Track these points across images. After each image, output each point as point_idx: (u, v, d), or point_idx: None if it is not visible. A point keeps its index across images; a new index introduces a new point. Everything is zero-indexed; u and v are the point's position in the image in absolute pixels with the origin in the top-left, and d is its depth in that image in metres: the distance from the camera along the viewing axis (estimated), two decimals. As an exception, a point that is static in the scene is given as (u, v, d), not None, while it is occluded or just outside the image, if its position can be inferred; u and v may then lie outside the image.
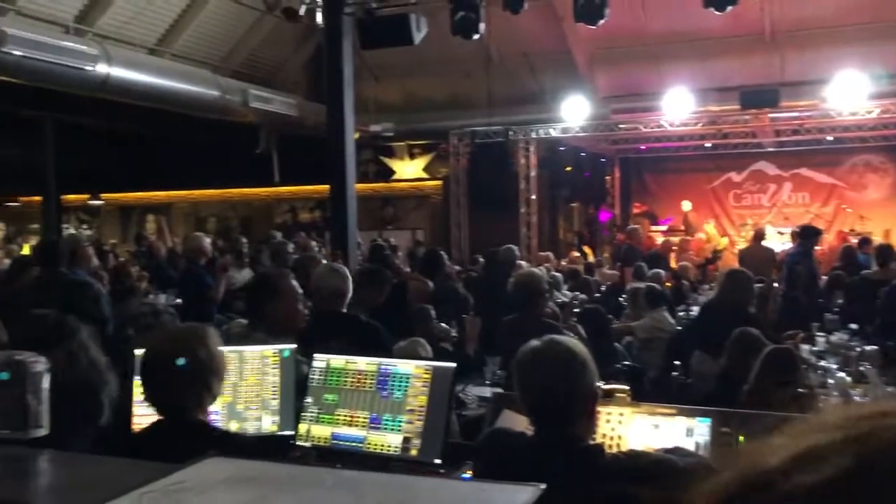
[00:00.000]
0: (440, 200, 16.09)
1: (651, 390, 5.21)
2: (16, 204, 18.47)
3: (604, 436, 2.37)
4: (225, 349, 2.51)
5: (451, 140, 14.74)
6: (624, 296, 8.28)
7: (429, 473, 2.27)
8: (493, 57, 13.90)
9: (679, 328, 6.88)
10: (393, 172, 16.85)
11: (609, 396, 2.37)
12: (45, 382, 1.46)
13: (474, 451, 2.30)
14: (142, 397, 2.85)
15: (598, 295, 9.14)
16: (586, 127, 13.81)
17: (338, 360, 2.77)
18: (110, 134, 14.88)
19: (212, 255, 7.55)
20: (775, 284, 7.90)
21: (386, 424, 2.60)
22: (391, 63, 13.44)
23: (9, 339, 1.88)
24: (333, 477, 1.26)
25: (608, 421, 2.40)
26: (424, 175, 16.71)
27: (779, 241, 12.86)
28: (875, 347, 5.37)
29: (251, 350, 2.96)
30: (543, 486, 1.15)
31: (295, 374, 2.96)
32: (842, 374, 4.88)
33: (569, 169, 16.71)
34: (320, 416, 2.72)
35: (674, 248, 13.15)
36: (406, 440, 2.56)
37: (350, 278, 4.35)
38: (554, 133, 14.26)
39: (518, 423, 2.39)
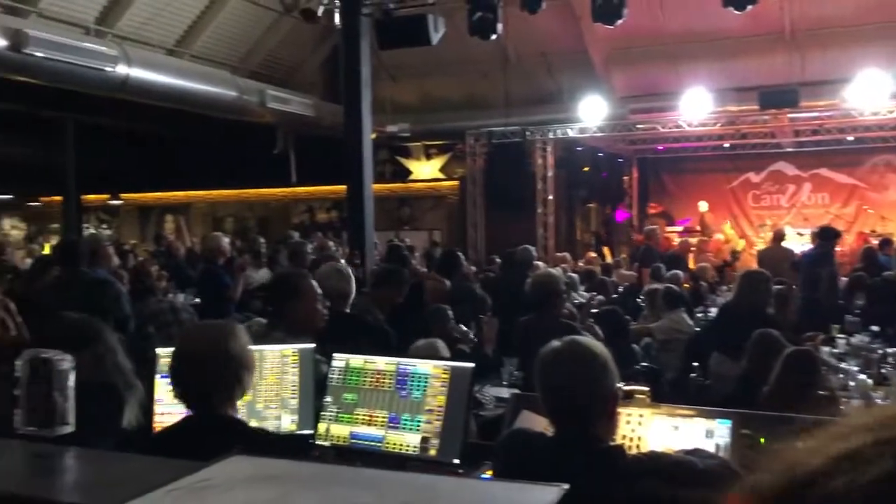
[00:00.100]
0: (457, 201, 16.09)
1: (669, 392, 5.20)
2: (37, 204, 18.67)
3: (623, 437, 2.36)
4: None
5: (468, 140, 14.74)
6: (641, 297, 8.25)
7: (447, 473, 2.27)
8: (511, 57, 13.89)
9: (697, 329, 6.85)
10: (409, 173, 16.87)
11: (629, 397, 2.37)
12: (71, 380, 1.48)
13: (493, 451, 2.30)
14: (163, 396, 2.89)
15: (615, 296, 9.11)
16: (604, 127, 13.77)
17: (357, 360, 2.79)
18: (129, 135, 15.01)
19: (230, 255, 7.59)
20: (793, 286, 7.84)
21: (405, 424, 2.61)
22: (408, 63, 13.46)
23: (36, 339, 1.90)
24: (357, 476, 1.26)
25: (628, 422, 2.39)
26: (441, 175, 16.72)
27: (798, 242, 12.75)
28: (897, 349, 5.31)
29: (270, 349, 2.97)
30: (567, 486, 1.14)
31: (314, 373, 2.97)
32: (863, 377, 4.84)
33: (586, 169, 16.65)
34: (339, 415, 2.73)
35: (692, 248, 13.08)
36: (424, 440, 2.56)
37: (353, 279, 4.38)
38: (571, 133, 14.22)
39: (537, 423, 2.38)
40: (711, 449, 2.32)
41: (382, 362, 2.75)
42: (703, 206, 15.86)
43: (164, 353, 2.95)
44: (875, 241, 11.65)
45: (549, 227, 14.96)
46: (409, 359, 2.76)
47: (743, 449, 2.34)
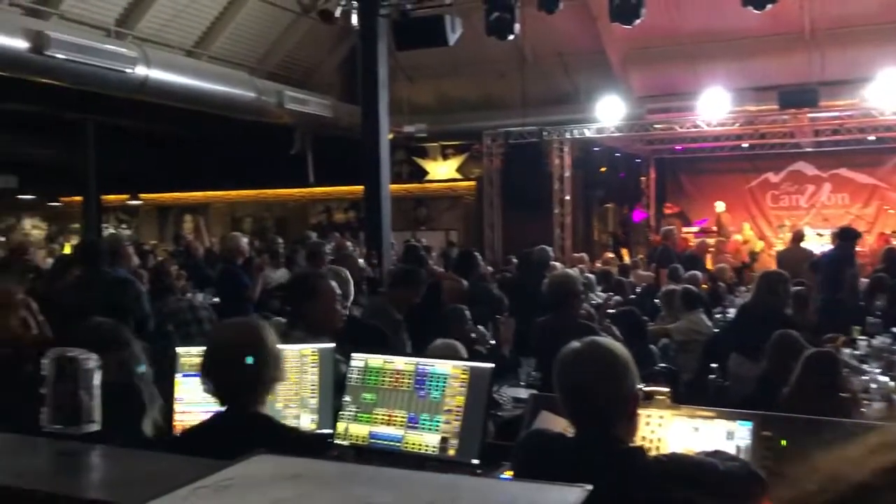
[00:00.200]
0: (473, 201, 16.09)
1: (687, 393, 5.17)
2: (57, 204, 18.86)
3: (643, 438, 2.35)
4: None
5: (485, 140, 14.73)
6: (659, 297, 8.21)
7: (466, 473, 2.27)
8: (528, 57, 13.87)
9: (716, 331, 6.81)
10: (426, 173, 16.88)
11: (649, 398, 2.36)
12: (97, 379, 1.50)
13: (512, 451, 2.29)
14: (183, 395, 2.91)
15: (632, 296, 9.08)
16: (621, 127, 13.72)
17: (376, 360, 2.79)
18: (149, 136, 15.14)
19: (248, 255, 7.64)
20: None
21: (424, 424, 2.61)
22: (425, 64, 13.48)
23: (63, 338, 1.93)
24: (378, 475, 1.27)
25: (648, 423, 2.38)
26: (458, 176, 16.72)
27: (818, 243, 12.65)
28: (919, 351, 5.26)
29: (290, 349, 2.98)
30: (590, 487, 1.14)
31: (333, 373, 2.98)
32: (884, 379, 4.79)
33: (603, 169, 16.60)
34: (358, 415, 2.74)
35: (710, 249, 13.01)
36: (444, 440, 2.56)
37: (352, 281, 4.39)
38: (588, 133, 14.18)
39: (556, 424, 2.38)
40: (732, 451, 2.30)
41: (401, 362, 2.75)
42: (719, 206, 15.76)
43: (184, 353, 2.97)
44: (896, 242, 11.53)
45: (567, 228, 14.93)
46: (428, 359, 2.76)
47: (764, 451, 2.32)
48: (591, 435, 2.03)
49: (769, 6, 8.28)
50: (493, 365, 2.65)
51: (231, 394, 2.32)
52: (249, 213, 18.26)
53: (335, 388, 2.92)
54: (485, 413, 2.61)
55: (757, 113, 13.25)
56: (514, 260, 10.46)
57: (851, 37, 12.05)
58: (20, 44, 8.46)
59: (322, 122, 13.70)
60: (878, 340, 5.85)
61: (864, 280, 8.78)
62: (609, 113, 12.93)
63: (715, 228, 15.45)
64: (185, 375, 2.93)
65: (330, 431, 2.80)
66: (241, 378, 2.30)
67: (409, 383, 2.69)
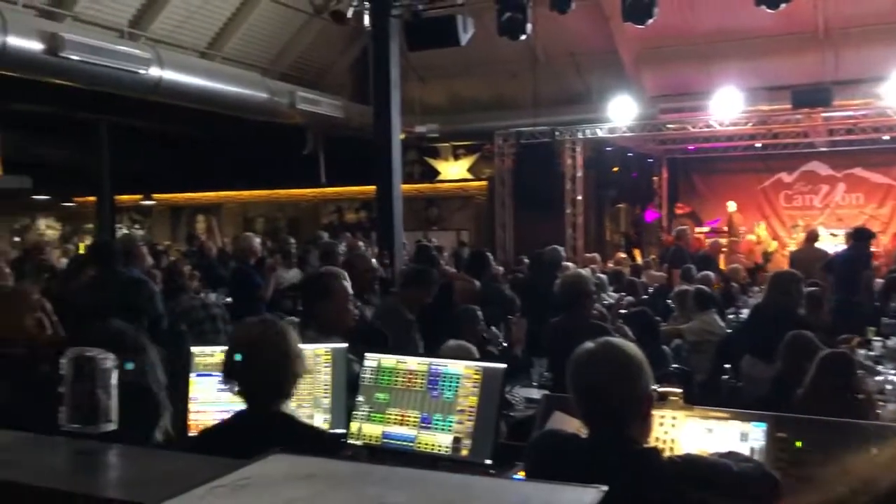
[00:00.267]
0: (485, 201, 16.08)
1: (700, 394, 5.15)
2: (71, 204, 18.98)
3: (656, 439, 2.34)
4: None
5: (497, 140, 14.72)
6: (671, 298, 8.18)
7: (479, 474, 2.27)
8: (540, 57, 13.85)
9: (729, 331, 6.79)
10: (438, 173, 16.89)
11: (662, 399, 2.35)
12: (114, 379, 1.51)
13: (525, 452, 2.29)
14: (198, 394, 2.93)
15: (645, 297, 9.05)
16: (633, 127, 13.68)
17: (389, 360, 2.80)
18: (162, 136, 15.21)
19: (261, 255, 7.66)
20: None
21: (436, 424, 2.62)
22: (437, 64, 13.49)
23: (81, 340, 1.94)
24: (393, 475, 1.27)
25: (661, 424, 2.37)
26: (469, 176, 16.72)
27: (832, 243, 12.57)
28: (934, 352, 5.22)
29: (303, 349, 2.99)
30: (606, 488, 1.14)
31: (346, 372, 2.99)
32: (900, 380, 4.76)
33: (615, 169, 16.55)
34: (371, 414, 2.75)
35: (723, 249, 12.94)
36: (456, 440, 2.57)
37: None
38: (601, 133, 14.15)
39: (569, 425, 2.38)
40: (746, 452, 2.29)
41: (414, 362, 2.76)
42: (731, 206, 15.69)
43: (199, 352, 2.99)
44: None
45: (578, 228, 14.90)
46: (441, 359, 2.77)
47: (779, 452, 2.31)
48: (605, 436, 2.02)
49: (783, 5, 8.23)
50: (505, 365, 2.66)
51: (253, 393, 2.33)
52: (261, 214, 18.32)
53: (348, 388, 2.93)
54: (497, 413, 2.61)
55: (770, 112, 13.18)
56: (526, 260, 10.45)
57: (865, 36, 11.97)
58: (35, 45, 8.52)
59: (334, 122, 13.73)
60: (893, 341, 5.81)
61: (879, 281, 8.72)
62: (621, 113, 12.90)
63: (726, 228, 15.38)
64: (199, 375, 2.95)
65: (343, 431, 2.81)
66: (262, 377, 2.31)
67: (421, 383, 2.70)
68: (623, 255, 13.40)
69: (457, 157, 16.83)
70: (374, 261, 6.47)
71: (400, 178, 9.60)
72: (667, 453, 2.23)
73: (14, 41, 8.30)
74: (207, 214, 18.24)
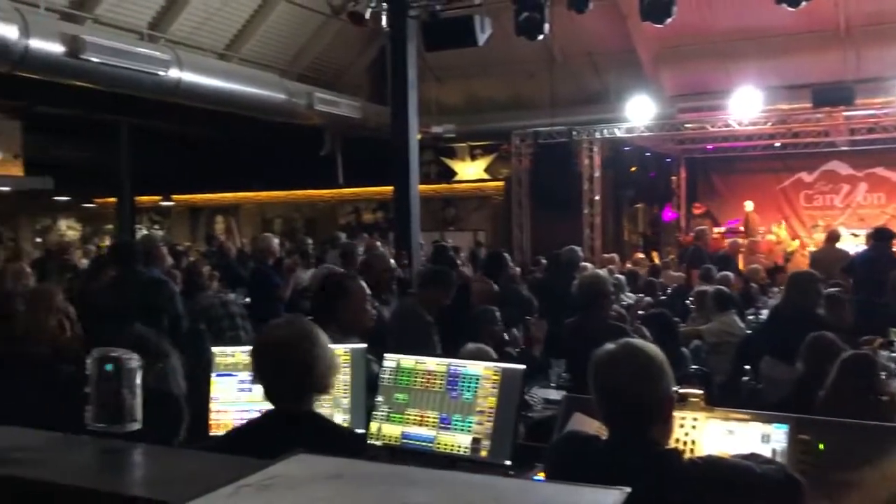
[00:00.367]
0: (502, 201, 16.07)
1: (720, 395, 5.12)
2: (92, 205, 19.17)
3: (677, 440, 2.33)
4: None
5: (514, 141, 14.71)
6: (690, 298, 8.13)
7: (499, 475, 2.27)
8: (557, 57, 13.83)
9: (748, 332, 6.73)
10: (454, 173, 16.89)
11: (683, 401, 2.34)
12: (139, 378, 1.53)
13: (546, 453, 2.29)
14: (219, 394, 2.95)
15: (663, 297, 9.01)
16: (651, 127, 13.62)
17: (408, 360, 2.81)
18: (181, 138, 15.33)
19: (279, 256, 7.70)
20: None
21: (456, 425, 2.62)
22: (454, 64, 13.49)
23: (105, 342, 1.96)
24: (416, 475, 1.28)
25: (682, 426, 2.36)
26: (486, 176, 16.71)
27: (853, 244, 12.44)
28: (958, 354, 5.15)
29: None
30: (629, 489, 1.14)
31: (365, 373, 3.00)
32: (923, 382, 4.70)
33: (633, 169, 16.48)
34: (391, 415, 2.76)
35: (742, 249, 12.85)
36: (476, 441, 2.57)
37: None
38: (618, 133, 14.10)
39: (590, 426, 2.37)
40: (767, 454, 2.28)
41: (433, 363, 2.77)
42: (748, 205, 15.57)
43: (220, 353, 3.01)
44: (934, 242, 11.28)
45: (596, 228, 14.85)
46: (460, 360, 2.77)
47: (801, 454, 2.30)
48: (626, 437, 2.02)
49: (803, 3, 8.16)
50: (524, 366, 2.65)
51: (280, 394, 2.33)
52: (279, 214, 18.41)
53: (368, 388, 2.94)
54: (516, 414, 2.61)
55: (790, 111, 13.07)
56: (543, 261, 10.43)
57: (887, 34, 11.85)
58: (57, 48, 8.61)
59: (351, 123, 13.77)
60: (916, 343, 5.73)
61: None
62: (639, 112, 12.85)
63: (742, 228, 15.26)
64: (219, 375, 2.97)
65: (362, 431, 2.82)
66: (291, 377, 2.31)
67: (441, 384, 2.70)
68: (641, 255, 13.34)
69: (474, 158, 16.83)
70: (392, 261, 6.48)
71: (417, 179, 9.61)
72: (688, 455, 2.23)
73: (36, 44, 8.39)
74: (226, 215, 18.36)
